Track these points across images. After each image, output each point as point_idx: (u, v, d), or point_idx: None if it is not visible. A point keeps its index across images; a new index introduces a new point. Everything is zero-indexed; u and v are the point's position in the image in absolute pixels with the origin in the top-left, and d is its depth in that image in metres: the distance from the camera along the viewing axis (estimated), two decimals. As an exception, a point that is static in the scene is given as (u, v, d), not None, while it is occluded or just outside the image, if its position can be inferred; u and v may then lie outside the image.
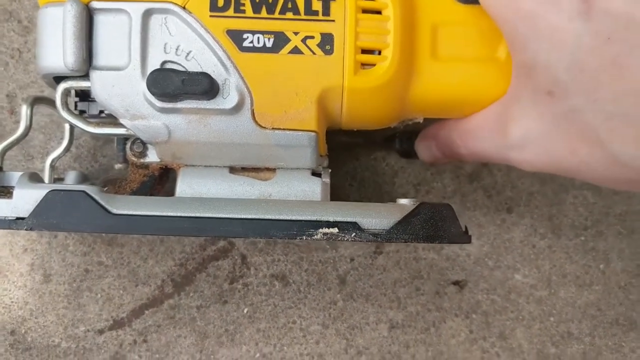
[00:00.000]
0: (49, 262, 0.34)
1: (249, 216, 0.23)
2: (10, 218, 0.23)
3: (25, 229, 0.23)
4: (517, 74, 0.24)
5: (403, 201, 0.25)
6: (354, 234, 0.23)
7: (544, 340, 0.35)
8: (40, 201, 0.23)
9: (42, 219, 0.23)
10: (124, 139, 0.27)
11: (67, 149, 0.27)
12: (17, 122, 0.33)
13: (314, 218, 0.23)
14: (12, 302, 0.34)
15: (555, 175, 0.26)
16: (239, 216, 0.23)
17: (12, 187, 0.24)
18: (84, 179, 0.28)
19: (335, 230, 0.23)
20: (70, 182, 0.28)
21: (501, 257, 0.35)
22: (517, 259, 0.35)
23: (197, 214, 0.23)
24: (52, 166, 0.27)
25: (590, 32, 0.20)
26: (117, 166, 0.27)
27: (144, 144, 0.26)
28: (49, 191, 0.23)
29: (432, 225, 0.24)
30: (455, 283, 0.35)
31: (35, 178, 0.25)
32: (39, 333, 0.34)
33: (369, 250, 0.35)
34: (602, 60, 0.20)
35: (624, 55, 0.20)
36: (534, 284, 0.35)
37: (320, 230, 0.23)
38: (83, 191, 0.23)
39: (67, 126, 0.27)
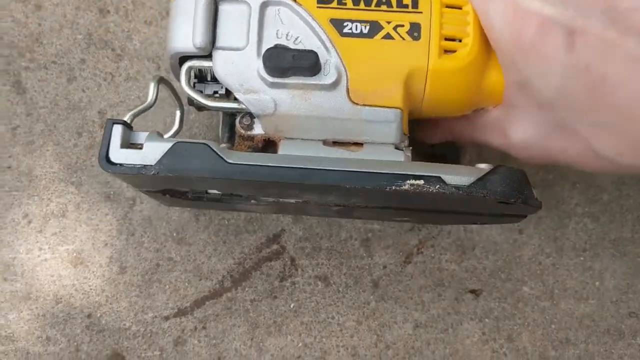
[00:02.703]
0: (125, 256, 0.39)
1: (347, 168, 0.26)
2: (139, 165, 0.26)
3: (152, 174, 0.26)
4: (510, 87, 0.28)
5: (481, 165, 0.28)
6: (437, 185, 0.25)
7: (545, 344, 0.40)
8: (167, 150, 0.26)
9: (167, 165, 0.26)
10: (230, 120, 0.31)
11: (177, 132, 0.32)
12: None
13: (402, 172, 0.26)
14: (90, 289, 0.39)
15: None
16: (338, 168, 0.26)
17: (141, 144, 0.27)
18: None
19: (421, 182, 0.25)
20: None
21: (512, 271, 0.41)
22: (526, 273, 0.41)
23: (302, 166, 0.26)
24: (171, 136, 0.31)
25: (573, 61, 0.24)
26: (222, 145, 0.30)
27: (252, 117, 0.30)
28: (176, 142, 0.26)
29: (508, 185, 0.26)
30: (472, 291, 0.41)
31: (161, 136, 0.28)
32: (112, 317, 0.39)
33: (399, 259, 0.40)
34: (584, 84, 0.24)
35: (600, 81, 0.24)
36: (539, 295, 0.40)
37: (408, 181, 0.25)
38: (205, 143, 0.26)
39: (177, 113, 0.32)
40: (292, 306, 0.39)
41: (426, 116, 0.30)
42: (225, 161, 0.26)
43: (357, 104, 0.28)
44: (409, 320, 0.40)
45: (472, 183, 0.26)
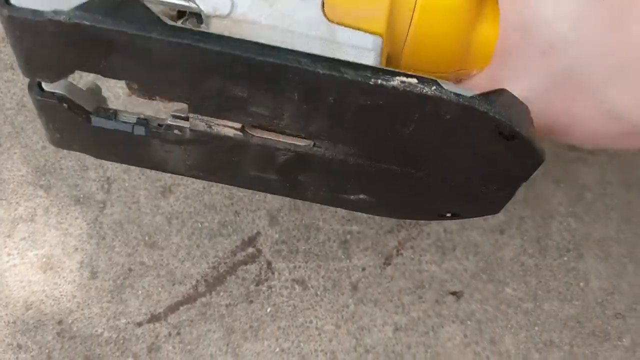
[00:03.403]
0: (96, 261, 0.38)
1: (318, 54, 0.21)
2: (47, 10, 0.20)
3: (63, 20, 0.19)
4: (507, 36, 0.24)
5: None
6: (434, 87, 0.21)
7: (529, 347, 0.39)
8: None
9: (86, 13, 0.20)
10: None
11: None
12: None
13: (391, 70, 0.21)
14: (61, 295, 0.38)
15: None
16: (304, 53, 0.21)
17: None
18: None
19: (415, 80, 0.21)
20: None
21: (494, 272, 0.40)
22: (508, 274, 0.40)
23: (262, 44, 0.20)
24: None
25: None
26: None
27: (199, 20, 0.24)
28: None
29: (510, 111, 0.22)
30: (453, 293, 0.40)
31: None
32: (84, 323, 0.38)
33: (379, 261, 0.39)
34: (607, 13, 0.20)
35: (627, 8, 0.20)
36: (522, 297, 0.40)
37: (398, 77, 0.21)
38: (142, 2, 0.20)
39: None
40: (268, 310, 0.38)
41: (404, 69, 0.26)
42: (165, 23, 0.20)
43: (332, 21, 0.24)
44: (388, 323, 0.39)
45: (473, 95, 0.21)
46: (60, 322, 0.38)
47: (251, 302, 0.38)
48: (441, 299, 0.39)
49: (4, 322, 0.37)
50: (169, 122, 0.25)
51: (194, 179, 0.38)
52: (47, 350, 0.37)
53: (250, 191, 0.39)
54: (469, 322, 0.39)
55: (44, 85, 0.24)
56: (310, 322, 0.39)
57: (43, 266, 0.38)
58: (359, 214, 0.40)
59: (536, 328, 0.39)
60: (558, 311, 0.40)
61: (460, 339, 0.39)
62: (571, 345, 0.40)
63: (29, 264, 0.38)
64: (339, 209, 0.40)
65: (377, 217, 0.40)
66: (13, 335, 0.37)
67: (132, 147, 0.26)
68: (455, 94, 0.21)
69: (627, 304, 0.40)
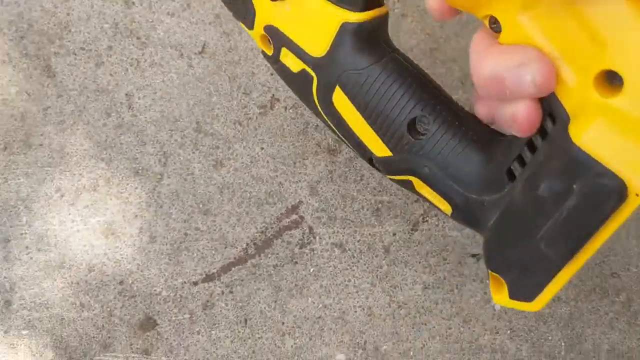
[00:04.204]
0: (154, 227, 0.42)
1: None
2: None
3: None
4: None
5: None
6: None
7: (540, 302, 0.44)
8: None
9: None
10: None
11: None
12: (134, 115, 0.42)
13: None
14: (122, 257, 0.41)
15: None
16: None
17: None
18: None
19: None
20: None
21: (508, 236, 0.45)
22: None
23: None
24: None
25: None
26: None
27: None
28: None
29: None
30: (473, 255, 0.44)
31: None
32: (143, 284, 0.41)
33: (407, 227, 0.44)
34: None
35: None
36: (533, 257, 0.45)
37: None
38: None
39: None
40: (311, 271, 0.43)
41: None
42: None
43: None
44: (418, 282, 0.43)
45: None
46: (121, 282, 0.41)
47: (296, 263, 0.43)
48: (463, 260, 0.44)
49: (68, 282, 0.41)
50: None
51: (242, 153, 0.42)
52: (108, 309, 0.41)
53: (293, 164, 0.43)
54: (487, 281, 0.44)
55: None
56: (349, 281, 0.43)
57: (105, 231, 0.41)
58: (389, 185, 0.44)
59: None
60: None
61: (480, 295, 0.44)
62: (576, 300, 0.45)
63: (92, 230, 0.41)
64: (371, 181, 0.44)
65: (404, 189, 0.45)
66: (76, 295, 0.41)
67: None
68: None
69: (622, 265, 0.46)
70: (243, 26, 0.30)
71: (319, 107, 0.28)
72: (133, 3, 0.44)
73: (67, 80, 0.43)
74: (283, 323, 0.42)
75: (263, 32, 0.29)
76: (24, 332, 0.40)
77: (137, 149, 0.42)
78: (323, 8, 0.25)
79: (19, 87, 0.42)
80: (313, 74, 0.27)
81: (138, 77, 0.43)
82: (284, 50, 0.28)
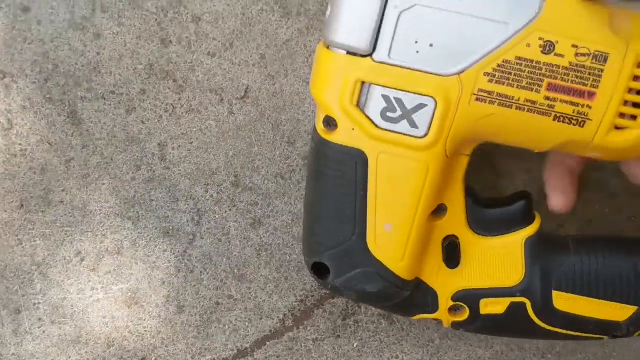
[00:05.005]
0: (183, 295, 0.38)
1: None
2: None
3: None
4: None
5: None
6: None
7: None
8: None
9: None
10: None
11: None
12: (167, 168, 0.38)
13: None
14: (145, 330, 0.37)
15: None
16: None
17: None
18: None
19: None
20: None
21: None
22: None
23: None
24: None
25: None
26: None
27: None
28: None
29: None
30: (532, 328, 0.40)
31: None
32: (168, 360, 0.37)
33: (460, 295, 0.40)
34: None
35: None
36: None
37: None
38: None
39: None
40: (355, 345, 0.38)
41: None
42: None
43: None
44: (473, 357, 0.39)
45: None
46: (143, 359, 0.37)
47: (338, 337, 0.38)
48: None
49: None
50: None
51: (283, 210, 0.39)
52: (129, 390, 0.36)
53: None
54: (549, 356, 0.40)
55: None
56: (397, 357, 0.38)
57: (128, 301, 0.37)
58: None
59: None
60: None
61: (541, 373, 0.40)
62: None
63: (113, 299, 0.37)
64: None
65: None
66: (93, 374, 0.36)
67: None
68: None
69: None
70: (425, 316, 0.32)
71: (540, 325, 0.30)
72: (171, 42, 0.41)
73: (94, 128, 0.40)
74: (325, 406, 0.37)
75: (452, 303, 0.30)
76: (31, 416, 0.35)
77: (168, 207, 0.39)
78: (501, 239, 0.29)
79: (41, 136, 0.39)
80: (524, 299, 0.29)
81: (173, 125, 0.40)
82: (482, 303, 0.30)
